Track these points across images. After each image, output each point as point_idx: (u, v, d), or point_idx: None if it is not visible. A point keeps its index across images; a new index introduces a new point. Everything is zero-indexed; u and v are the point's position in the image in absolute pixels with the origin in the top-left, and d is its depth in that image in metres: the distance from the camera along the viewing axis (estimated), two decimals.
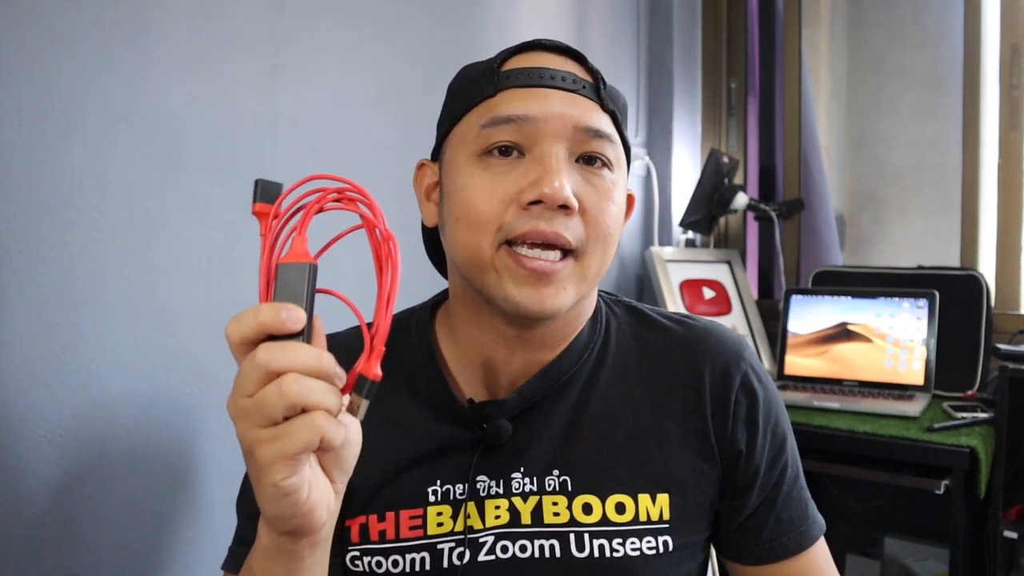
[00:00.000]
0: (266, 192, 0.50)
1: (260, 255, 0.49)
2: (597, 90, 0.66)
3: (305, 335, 0.47)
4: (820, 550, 0.73)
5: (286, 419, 0.45)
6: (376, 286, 0.50)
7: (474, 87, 0.66)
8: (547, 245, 0.62)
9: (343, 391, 0.48)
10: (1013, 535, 1.45)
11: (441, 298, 0.77)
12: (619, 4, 2.11)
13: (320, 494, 0.49)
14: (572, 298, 0.64)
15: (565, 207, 0.61)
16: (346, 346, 0.63)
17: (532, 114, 0.62)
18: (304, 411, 0.45)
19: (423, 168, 0.73)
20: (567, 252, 0.63)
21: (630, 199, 0.73)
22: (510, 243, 0.62)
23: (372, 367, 0.49)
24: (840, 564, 2.03)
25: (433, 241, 0.77)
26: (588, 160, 0.65)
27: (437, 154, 0.71)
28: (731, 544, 0.73)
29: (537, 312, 0.62)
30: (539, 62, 0.66)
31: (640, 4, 2.20)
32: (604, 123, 0.65)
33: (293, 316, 0.46)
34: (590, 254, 0.64)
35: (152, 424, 0.98)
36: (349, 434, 0.49)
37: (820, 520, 0.74)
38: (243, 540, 0.72)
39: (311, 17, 1.18)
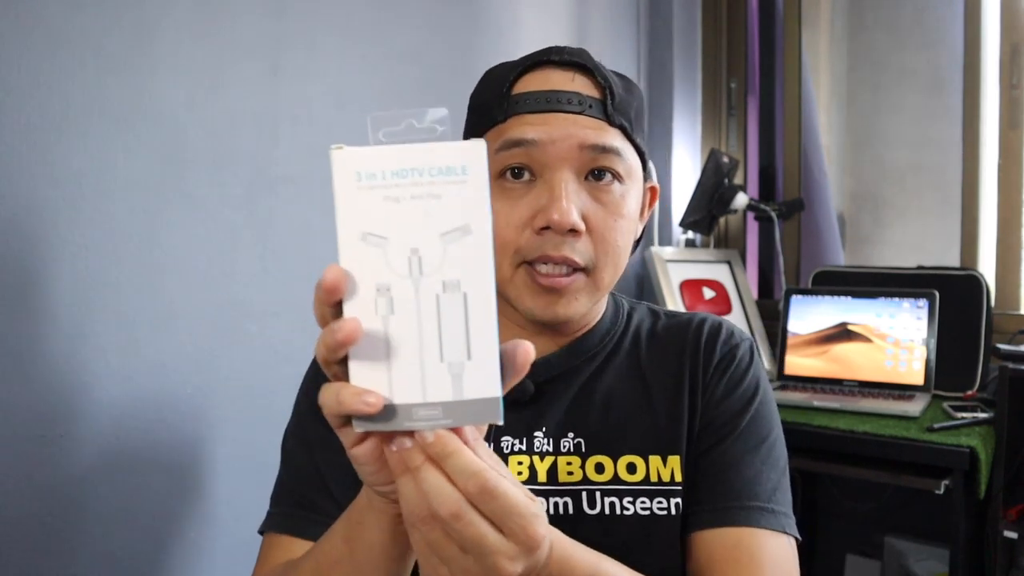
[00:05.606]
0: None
1: None
2: (604, 107, 0.67)
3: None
4: (786, 543, 0.67)
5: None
6: None
7: (487, 110, 0.69)
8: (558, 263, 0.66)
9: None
10: (1013, 535, 1.45)
11: None
12: (619, 4, 2.11)
13: None
14: (584, 306, 0.69)
15: (573, 230, 0.65)
16: None
17: (538, 138, 0.65)
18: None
19: None
20: (578, 267, 0.67)
21: (653, 191, 0.77)
22: (527, 262, 0.67)
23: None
24: (840, 564, 2.04)
25: None
26: (597, 175, 0.67)
27: None
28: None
29: (550, 320, 0.68)
30: (546, 84, 0.67)
31: (640, 4, 2.20)
32: (611, 139, 0.67)
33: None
34: (601, 268, 0.68)
35: (152, 424, 0.98)
36: None
37: (791, 517, 0.69)
38: (287, 498, 0.71)
39: (311, 18, 1.18)
